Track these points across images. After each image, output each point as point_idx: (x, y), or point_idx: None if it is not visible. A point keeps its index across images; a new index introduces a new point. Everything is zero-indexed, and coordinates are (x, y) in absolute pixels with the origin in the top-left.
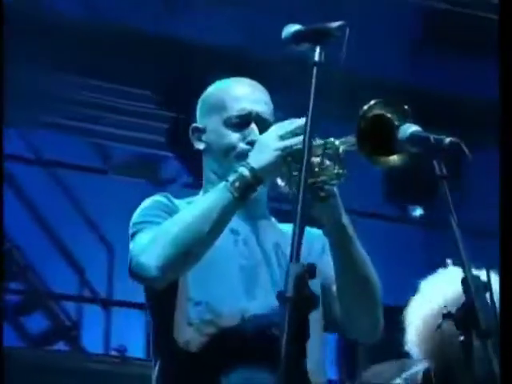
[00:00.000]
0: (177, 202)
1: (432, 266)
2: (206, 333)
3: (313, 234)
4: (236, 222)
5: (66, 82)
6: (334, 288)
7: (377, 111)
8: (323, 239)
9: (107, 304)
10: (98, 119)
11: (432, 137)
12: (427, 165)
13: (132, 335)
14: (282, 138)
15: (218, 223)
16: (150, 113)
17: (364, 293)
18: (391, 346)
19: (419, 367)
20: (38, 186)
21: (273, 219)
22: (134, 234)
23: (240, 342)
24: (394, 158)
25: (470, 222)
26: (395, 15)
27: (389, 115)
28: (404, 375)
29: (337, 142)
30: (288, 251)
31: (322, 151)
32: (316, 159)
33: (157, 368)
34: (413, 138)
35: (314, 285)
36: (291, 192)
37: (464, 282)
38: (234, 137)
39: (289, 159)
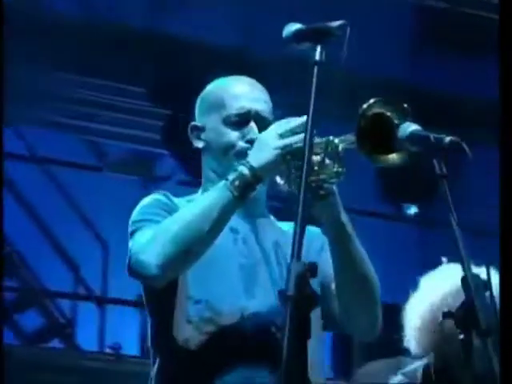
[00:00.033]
0: (176, 200)
1: (426, 264)
2: (206, 331)
3: (311, 232)
4: (235, 221)
5: (61, 79)
6: (333, 286)
7: (376, 110)
8: (322, 237)
9: (102, 301)
10: (93, 117)
11: (432, 136)
12: (422, 163)
13: (127, 333)
14: (282, 136)
15: (217, 222)
16: (145, 110)
17: (363, 290)
18: (385, 343)
19: (419, 363)
20: (32, 184)
21: (272, 217)
22: (133, 232)
23: (239, 340)
24: (394, 157)
25: (469, 221)
26: (395, 15)
27: (388, 114)
28: (403, 371)
29: (336, 141)
30: (287, 250)
31: (323, 150)
32: (316, 158)
33: (156, 366)
34: (413, 136)
35: (313, 283)
36: (290, 190)
37: (464, 280)
38: (233, 135)
39: (288, 158)
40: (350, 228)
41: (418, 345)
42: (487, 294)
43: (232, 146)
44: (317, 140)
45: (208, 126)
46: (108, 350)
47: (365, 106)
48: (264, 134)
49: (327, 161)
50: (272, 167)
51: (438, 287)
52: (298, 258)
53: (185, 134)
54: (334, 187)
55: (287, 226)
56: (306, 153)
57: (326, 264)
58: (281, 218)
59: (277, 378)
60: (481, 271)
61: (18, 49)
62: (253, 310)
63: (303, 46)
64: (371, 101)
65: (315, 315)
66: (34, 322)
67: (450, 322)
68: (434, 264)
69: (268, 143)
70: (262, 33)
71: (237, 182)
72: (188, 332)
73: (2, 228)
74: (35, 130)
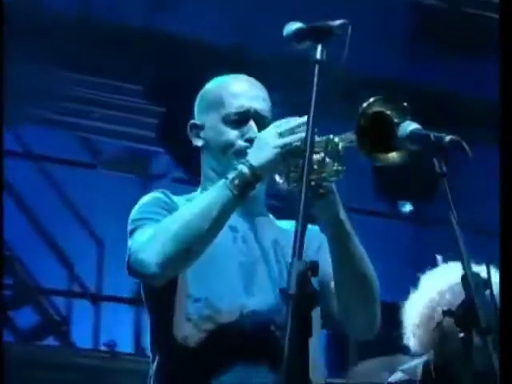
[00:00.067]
0: (175, 198)
1: (421, 261)
2: (205, 329)
3: (310, 230)
4: (235, 219)
5: (56, 77)
6: (332, 285)
7: (376, 108)
8: (320, 236)
9: (97, 299)
10: (88, 114)
11: (432, 134)
12: (419, 161)
13: (121, 330)
14: (282, 135)
15: (217, 221)
16: (140, 108)
17: (362, 288)
18: (382, 342)
19: (418, 360)
20: (26, 181)
21: (271, 216)
22: (132, 231)
23: (238, 338)
24: (394, 156)
25: (469, 219)
26: (395, 14)
27: (388, 112)
28: (403, 368)
29: (336, 139)
30: (286, 248)
31: (323, 148)
32: (316, 156)
33: (155, 363)
34: (413, 135)
35: (313, 282)
36: (289, 189)
37: (464, 279)
38: (232, 134)
39: (287, 156)
40: (348, 226)
41: (418, 342)
42: (487, 292)
43: (231, 144)
44: (317, 139)
45: (207, 124)
46: (103, 348)
47: (365, 104)
48: (264, 132)
49: (327, 159)
50: (272, 166)
51: (436, 284)
52: (300, 256)
53: (180, 131)
54: (333, 185)
55: (286, 225)
56: (308, 151)
57: (325, 263)
58: (280, 217)
59: (278, 377)
60: (481, 270)
61: (18, 48)
62: (252, 308)
63: (304, 44)
64: (371, 99)
65: (315, 314)
66: (29, 319)
67: (449, 321)
68: (429, 262)
69: (268, 142)
70: (261, 31)
71: (236, 181)
72: (187, 330)
73: (2, 228)
74: (30, 128)
